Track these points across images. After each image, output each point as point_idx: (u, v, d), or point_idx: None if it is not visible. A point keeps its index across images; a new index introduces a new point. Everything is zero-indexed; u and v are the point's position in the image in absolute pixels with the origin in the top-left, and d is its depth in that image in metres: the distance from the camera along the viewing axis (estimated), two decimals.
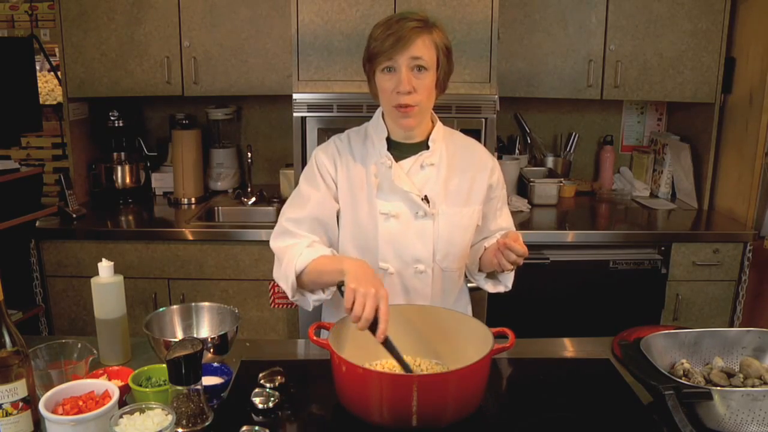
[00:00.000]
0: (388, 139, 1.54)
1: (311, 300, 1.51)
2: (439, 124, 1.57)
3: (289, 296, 1.48)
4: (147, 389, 1.24)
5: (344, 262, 1.37)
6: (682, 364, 1.33)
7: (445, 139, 1.57)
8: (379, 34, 1.42)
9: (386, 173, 1.52)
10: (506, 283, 1.62)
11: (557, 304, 2.65)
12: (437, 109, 1.57)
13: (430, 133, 1.55)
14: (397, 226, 1.52)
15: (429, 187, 1.53)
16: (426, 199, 1.52)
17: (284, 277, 1.47)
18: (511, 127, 3.30)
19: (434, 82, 1.46)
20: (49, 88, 3.34)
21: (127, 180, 3.03)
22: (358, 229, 1.53)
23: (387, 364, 1.38)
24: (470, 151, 1.62)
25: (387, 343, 1.29)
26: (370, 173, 1.53)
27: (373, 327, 1.26)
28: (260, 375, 1.37)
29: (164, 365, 1.21)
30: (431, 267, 1.55)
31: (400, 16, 1.43)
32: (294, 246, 1.48)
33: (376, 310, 1.25)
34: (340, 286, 1.32)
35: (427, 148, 1.54)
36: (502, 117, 3.16)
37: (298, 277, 1.46)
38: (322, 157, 1.56)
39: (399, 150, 1.54)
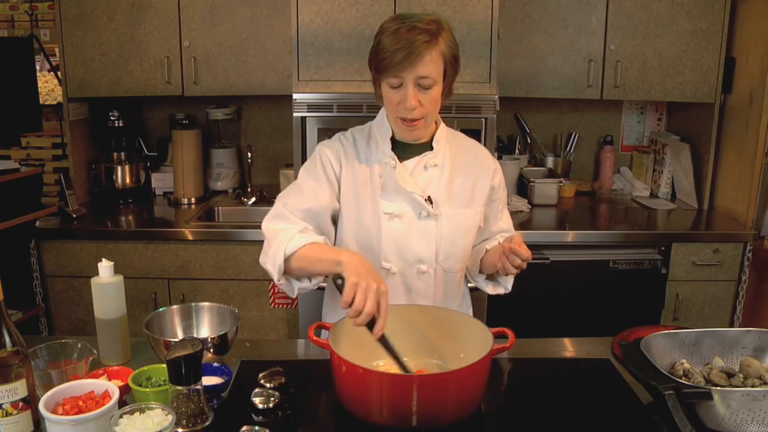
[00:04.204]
0: (393, 139, 1.53)
1: (296, 287, 1.48)
2: (442, 125, 1.57)
3: (275, 279, 1.45)
4: (147, 389, 1.24)
5: (341, 253, 1.34)
6: (682, 364, 1.33)
7: (448, 140, 1.57)
8: (389, 44, 1.37)
9: (390, 173, 1.51)
10: (506, 285, 1.63)
11: (557, 304, 2.65)
12: None
13: (433, 134, 1.55)
14: (401, 227, 1.52)
15: (432, 187, 1.53)
16: (429, 199, 1.52)
17: (272, 260, 1.44)
18: (511, 127, 3.30)
19: (440, 93, 1.45)
20: (49, 88, 3.34)
21: (127, 180, 3.02)
22: (361, 228, 1.53)
23: (387, 364, 1.37)
24: (473, 152, 1.62)
25: (383, 340, 1.28)
26: (374, 173, 1.53)
27: (370, 323, 1.25)
28: (260, 375, 1.37)
29: (164, 365, 1.21)
30: (434, 267, 1.56)
31: (410, 24, 1.37)
32: (286, 230, 1.45)
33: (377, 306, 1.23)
34: (336, 279, 1.29)
35: (431, 148, 1.54)
36: (502, 117, 3.16)
37: (287, 261, 1.42)
38: (327, 152, 1.55)
39: (403, 150, 1.54)
